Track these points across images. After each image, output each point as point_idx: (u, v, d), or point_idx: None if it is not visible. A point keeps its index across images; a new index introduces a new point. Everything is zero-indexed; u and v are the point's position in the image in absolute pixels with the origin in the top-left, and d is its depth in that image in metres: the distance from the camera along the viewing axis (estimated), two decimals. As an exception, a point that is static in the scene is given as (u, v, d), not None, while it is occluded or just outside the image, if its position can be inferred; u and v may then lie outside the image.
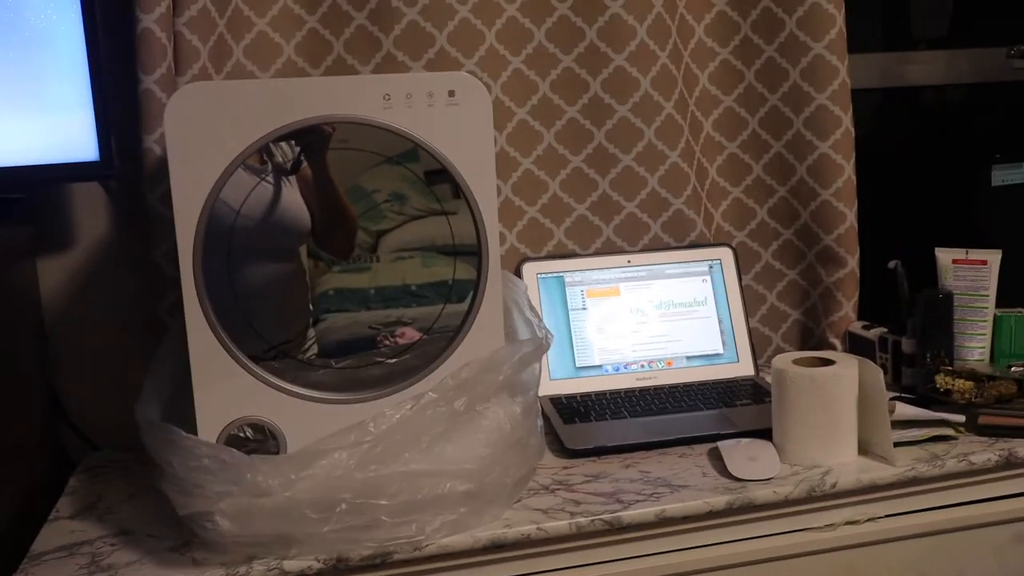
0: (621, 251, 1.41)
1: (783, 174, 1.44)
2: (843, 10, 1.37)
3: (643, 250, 1.41)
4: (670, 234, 1.41)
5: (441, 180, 0.98)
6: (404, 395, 0.98)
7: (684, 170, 1.39)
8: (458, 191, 0.98)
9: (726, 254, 1.41)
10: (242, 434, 0.96)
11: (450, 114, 0.96)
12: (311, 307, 0.98)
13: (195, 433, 0.94)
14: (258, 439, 0.96)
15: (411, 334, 0.99)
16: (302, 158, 0.95)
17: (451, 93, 0.96)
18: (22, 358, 1.16)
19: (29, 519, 1.05)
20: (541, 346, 1.03)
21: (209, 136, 0.92)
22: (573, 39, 1.33)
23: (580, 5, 1.32)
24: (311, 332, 0.98)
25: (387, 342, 0.99)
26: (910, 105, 1.75)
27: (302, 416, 0.96)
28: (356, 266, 0.98)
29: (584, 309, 1.37)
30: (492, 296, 1.00)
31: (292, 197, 0.96)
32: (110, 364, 1.27)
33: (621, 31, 1.32)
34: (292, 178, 0.96)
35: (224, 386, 0.95)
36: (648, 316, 1.38)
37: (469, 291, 0.99)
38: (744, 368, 1.37)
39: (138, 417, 0.97)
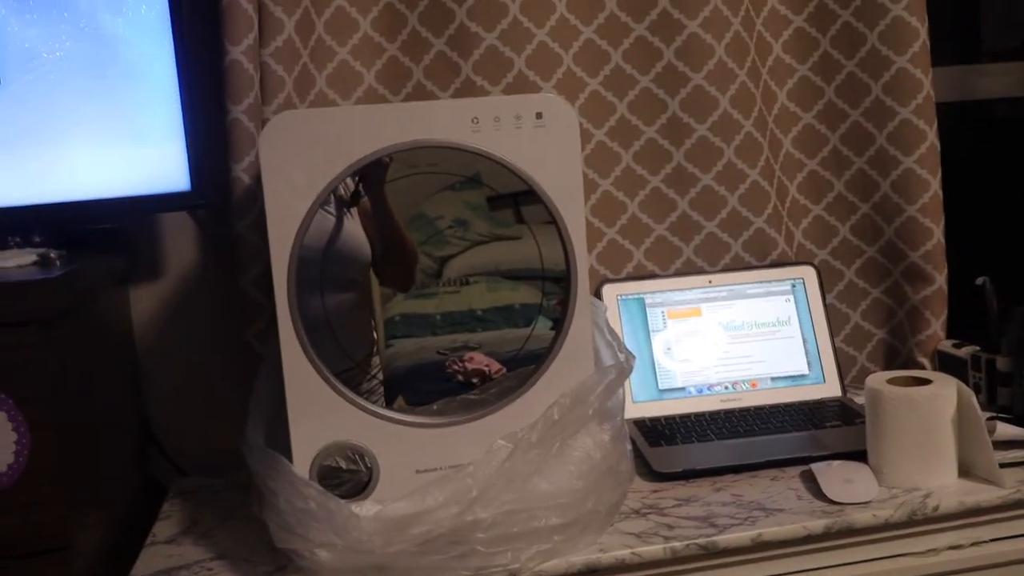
0: (702, 271, 1.39)
1: (866, 191, 1.42)
2: (926, 23, 1.34)
3: (724, 270, 1.39)
4: (751, 253, 1.39)
5: (503, 206, 0.98)
6: (496, 418, 0.98)
7: (764, 188, 1.37)
8: (520, 216, 0.98)
9: (809, 273, 1.39)
10: (335, 464, 0.96)
11: (538, 136, 0.96)
12: (375, 334, 0.99)
13: (290, 457, 0.95)
14: (351, 469, 0.96)
15: (479, 359, 1.00)
16: (361, 190, 0.96)
17: (538, 115, 0.96)
18: (116, 386, 1.19)
19: (126, 544, 1.06)
20: (624, 371, 1.02)
21: (302, 163, 0.93)
22: (650, 59, 1.33)
23: (657, 25, 1.32)
24: (375, 360, 0.99)
25: (455, 367, 0.99)
26: (986, 118, 1.71)
27: (394, 440, 0.97)
28: (421, 292, 0.98)
29: (665, 330, 1.35)
30: (581, 321, 0.99)
31: (353, 229, 0.98)
32: (199, 390, 1.29)
33: (699, 50, 1.31)
34: (353, 210, 0.97)
35: (318, 411, 0.96)
36: (731, 336, 1.36)
37: (535, 315, 0.99)
38: (831, 389, 1.34)
39: (247, 442, 0.98)
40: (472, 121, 0.95)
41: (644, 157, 1.35)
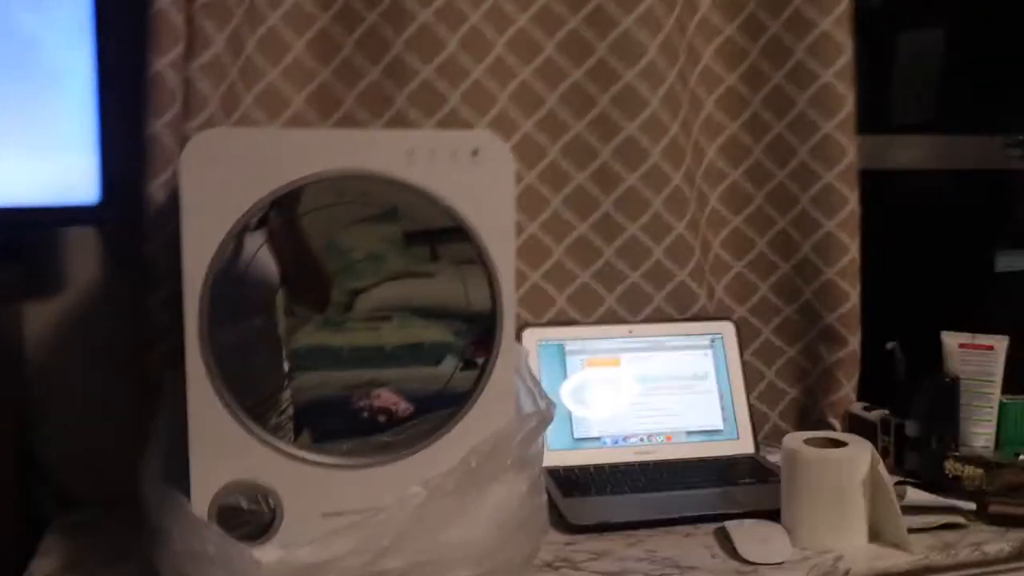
0: (623, 321, 1.38)
1: (787, 250, 1.44)
2: (854, 91, 1.38)
3: (645, 321, 1.39)
4: (673, 306, 1.39)
5: (420, 243, 0.96)
6: (411, 462, 0.94)
7: (689, 242, 1.37)
8: (435, 254, 0.96)
9: (728, 328, 1.39)
10: (237, 504, 0.90)
11: (473, 173, 0.94)
12: (285, 365, 0.95)
13: (188, 494, 0.89)
14: (253, 510, 0.91)
15: (386, 396, 0.96)
16: (271, 215, 0.92)
17: (474, 152, 0.94)
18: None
19: (-1, 581, 0.99)
20: (545, 419, 0.99)
21: (225, 184, 0.89)
22: (585, 106, 1.33)
23: (594, 72, 1.32)
24: (285, 395, 0.95)
25: (362, 403, 0.95)
26: (897, 188, 1.77)
27: (302, 480, 0.92)
28: (331, 322, 0.95)
29: (584, 379, 1.34)
30: (505, 365, 0.97)
31: (259, 253, 0.93)
32: (94, 417, 1.21)
33: (633, 100, 1.32)
34: (258, 233, 0.92)
35: (221, 445, 0.90)
36: (648, 388, 1.35)
37: (445, 354, 0.97)
38: (744, 445, 1.35)
39: (141, 475, 0.92)
40: (407, 153, 0.93)
41: (573, 203, 1.35)
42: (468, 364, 0.97)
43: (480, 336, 0.97)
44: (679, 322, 1.39)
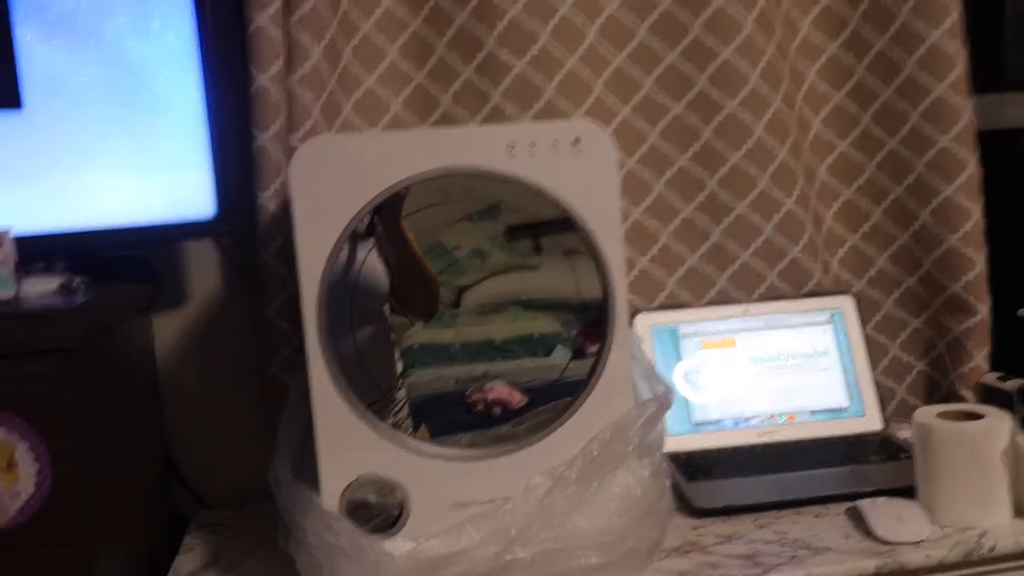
0: (737, 302, 1.35)
1: (904, 219, 1.38)
2: (965, 49, 1.31)
3: (759, 299, 1.36)
4: (787, 283, 1.35)
5: (522, 236, 0.96)
6: (532, 452, 0.94)
7: (800, 217, 1.34)
8: (538, 246, 0.96)
9: (847, 303, 1.35)
10: (365, 498, 0.92)
11: (575, 163, 0.94)
12: (399, 364, 0.97)
13: (319, 491, 0.91)
14: (382, 503, 0.92)
15: (500, 389, 0.97)
16: (376, 221, 0.94)
17: (575, 141, 0.94)
18: (139, 416, 1.16)
19: (148, 578, 1.03)
20: (664, 404, 0.98)
21: (333, 191, 0.91)
22: (683, 86, 1.30)
23: (690, 52, 1.29)
24: (400, 393, 0.97)
25: (476, 396, 0.96)
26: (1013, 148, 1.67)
27: (427, 474, 0.93)
28: (440, 319, 0.96)
29: (700, 361, 1.32)
30: (620, 353, 0.96)
31: (370, 259, 0.95)
32: (222, 421, 1.26)
33: (733, 77, 1.29)
34: (370, 240, 0.95)
35: (348, 443, 0.92)
36: (767, 368, 1.32)
37: (555, 344, 0.97)
38: (871, 422, 1.30)
39: (274, 475, 0.94)
40: (507, 147, 0.93)
41: (677, 185, 1.33)
42: (579, 353, 0.97)
43: (590, 325, 0.96)
44: (795, 299, 1.35)
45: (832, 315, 1.35)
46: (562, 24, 1.26)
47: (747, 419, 1.29)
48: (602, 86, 1.30)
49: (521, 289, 0.96)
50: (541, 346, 0.96)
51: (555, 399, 0.97)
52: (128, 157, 1.09)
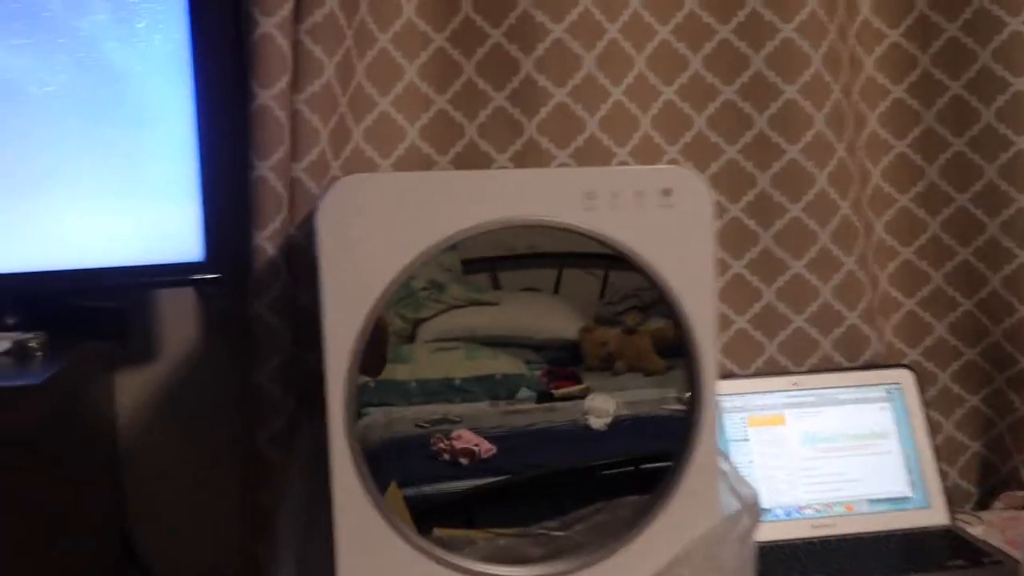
0: (786, 371, 1.20)
1: (970, 285, 1.24)
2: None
3: (811, 371, 1.21)
4: (842, 353, 1.21)
5: (477, 270, 0.83)
6: (601, 570, 0.77)
7: (859, 278, 1.19)
8: (496, 282, 0.84)
9: (906, 377, 1.20)
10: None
11: (664, 219, 0.77)
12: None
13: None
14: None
15: (467, 436, 0.85)
16: None
17: (666, 192, 0.77)
18: (93, 494, 0.95)
19: None
20: (755, 515, 0.81)
21: (372, 241, 0.73)
22: (739, 127, 1.15)
23: (750, 89, 1.14)
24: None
25: (441, 445, 0.84)
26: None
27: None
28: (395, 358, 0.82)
29: (746, 440, 1.16)
30: (707, 452, 0.79)
31: None
32: (194, 502, 1.06)
33: (795, 118, 1.14)
34: None
35: (373, 547, 0.74)
36: (820, 450, 1.17)
37: (519, 386, 0.86)
38: (937, 515, 1.15)
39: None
40: (585, 196, 0.76)
41: (727, 238, 1.17)
42: (544, 396, 0.86)
43: (554, 365, 0.85)
44: (850, 371, 1.20)
45: (889, 390, 1.20)
46: (610, 49, 1.10)
47: (800, 508, 1.14)
48: (650, 122, 1.14)
49: (479, 324, 0.85)
50: (503, 387, 0.85)
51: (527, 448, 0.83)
52: (100, 183, 0.89)
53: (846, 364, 1.21)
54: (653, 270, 0.77)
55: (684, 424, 0.81)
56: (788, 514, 1.13)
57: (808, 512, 1.14)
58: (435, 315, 0.85)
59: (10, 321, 0.82)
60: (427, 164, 1.11)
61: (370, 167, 1.09)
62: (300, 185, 1.00)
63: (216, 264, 0.93)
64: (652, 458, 0.85)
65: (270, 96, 0.97)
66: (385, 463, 0.83)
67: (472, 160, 1.11)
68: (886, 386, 1.20)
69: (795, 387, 1.18)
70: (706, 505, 0.79)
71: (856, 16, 1.21)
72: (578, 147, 1.10)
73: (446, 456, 0.84)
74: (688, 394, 0.81)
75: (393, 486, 0.83)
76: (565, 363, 0.85)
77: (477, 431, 0.85)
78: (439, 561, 0.75)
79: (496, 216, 0.74)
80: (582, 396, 0.83)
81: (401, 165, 1.10)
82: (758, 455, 1.15)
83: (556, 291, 0.83)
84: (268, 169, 0.97)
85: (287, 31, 0.98)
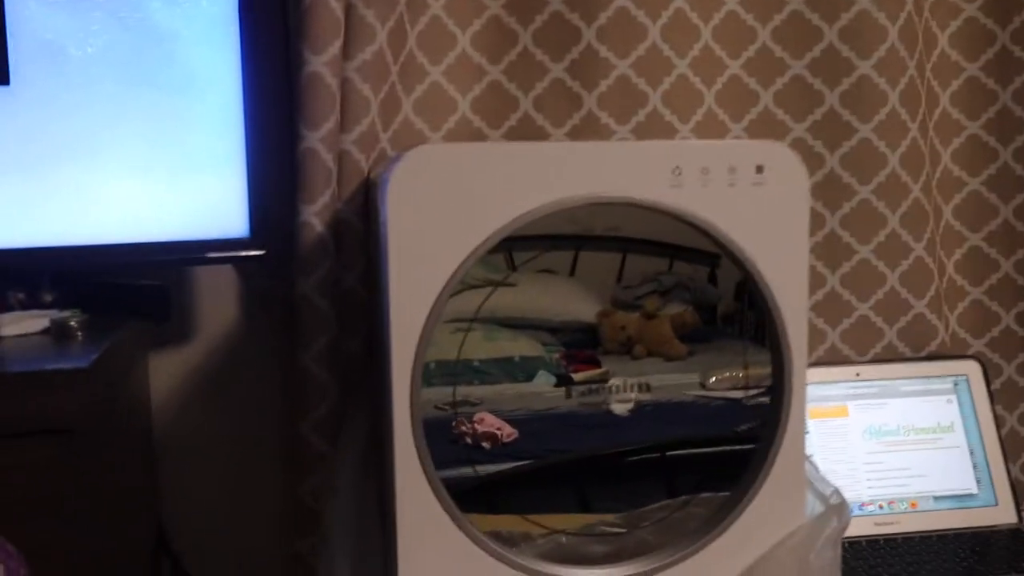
0: (848, 361, 1.15)
1: (1044, 272, 1.19)
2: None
3: (874, 361, 1.15)
4: (907, 343, 1.15)
5: (497, 250, 0.77)
6: (679, 571, 0.72)
7: (928, 265, 1.13)
8: (512, 262, 0.78)
9: (973, 369, 1.15)
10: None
11: (756, 197, 0.71)
12: None
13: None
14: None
15: (489, 420, 0.80)
16: None
17: (759, 169, 0.71)
18: (128, 483, 0.90)
19: None
20: (843, 518, 0.76)
21: (446, 218, 0.67)
22: (808, 103, 1.09)
23: (820, 64, 1.08)
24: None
25: (463, 428, 0.79)
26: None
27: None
28: None
29: (807, 433, 1.10)
30: (794, 447, 0.74)
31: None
32: (231, 494, 1.00)
33: (869, 96, 1.08)
34: None
35: (437, 553, 0.69)
36: (884, 444, 1.11)
37: (537, 368, 0.82)
38: (1004, 514, 1.10)
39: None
40: (672, 172, 0.70)
41: (791, 221, 1.11)
42: (563, 379, 0.83)
43: (572, 347, 0.81)
44: (915, 362, 1.15)
45: (956, 382, 1.15)
46: (676, 19, 1.04)
47: (863, 505, 1.09)
48: (714, 98, 1.08)
49: (498, 305, 0.81)
50: (521, 370, 0.82)
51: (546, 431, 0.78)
52: (142, 152, 0.84)
53: (911, 355, 1.15)
54: (743, 252, 0.71)
55: (707, 411, 0.77)
56: (850, 511, 1.08)
57: (871, 509, 1.09)
58: (452, 295, 0.79)
59: (48, 298, 0.77)
60: (478, 138, 1.05)
61: (419, 140, 1.03)
62: (348, 158, 0.94)
63: (262, 240, 0.87)
64: (677, 445, 0.82)
65: (321, 63, 0.91)
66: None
67: (526, 135, 1.05)
68: (952, 378, 1.15)
69: (858, 378, 1.13)
70: (791, 505, 0.74)
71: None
72: (639, 122, 1.04)
73: (468, 440, 0.80)
74: (768, 385, 0.75)
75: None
76: (582, 346, 0.82)
77: (498, 414, 0.81)
78: (498, 557, 0.70)
79: (579, 192, 0.68)
80: (603, 380, 0.80)
81: (451, 138, 1.04)
82: (819, 448, 1.10)
83: (572, 273, 0.80)
84: (318, 140, 0.91)
85: (339, -7, 0.92)
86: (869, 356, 1.15)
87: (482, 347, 0.81)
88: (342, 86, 0.94)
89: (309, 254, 0.92)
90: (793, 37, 1.08)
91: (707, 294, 0.77)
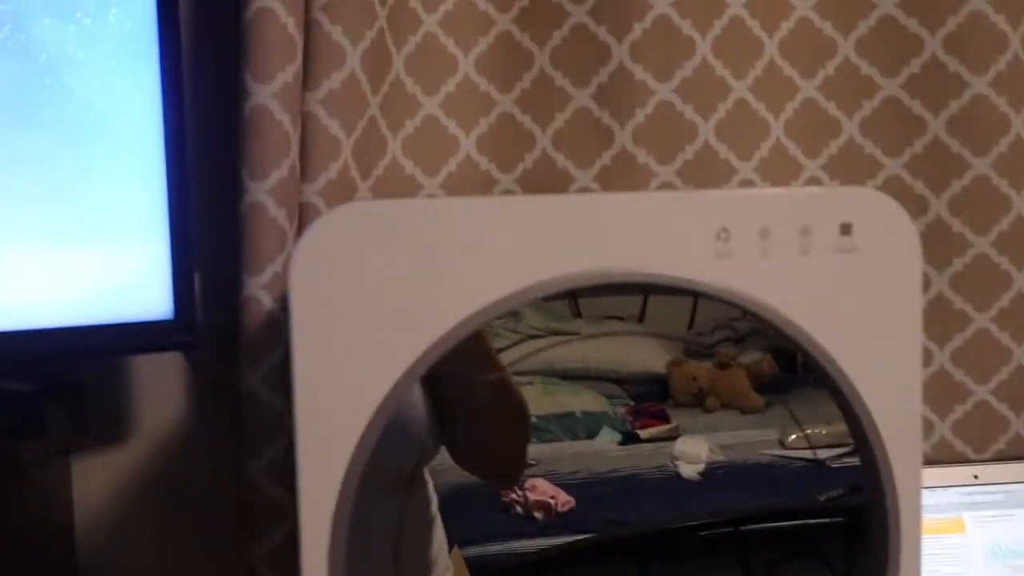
0: (964, 460, 0.90)
1: None
2: None
3: (997, 458, 0.91)
4: (1038, 434, 0.90)
5: (557, 296, 0.61)
6: None
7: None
8: (578, 310, 0.78)
9: None
10: None
11: (844, 270, 0.49)
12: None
13: None
14: None
15: (542, 487, 0.75)
16: None
17: (844, 229, 0.49)
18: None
19: None
20: None
21: (380, 299, 0.46)
22: (909, 133, 0.86)
23: (921, 80, 0.85)
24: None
25: (514, 496, 0.75)
26: None
27: None
28: None
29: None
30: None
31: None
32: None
33: (987, 114, 0.85)
34: None
35: None
36: (1013, 568, 0.87)
37: (600, 424, 0.79)
38: None
39: None
40: (718, 236, 0.48)
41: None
42: (629, 437, 0.80)
43: (639, 400, 0.79)
44: (1045, 459, 0.90)
45: (1105, 485, 0.89)
46: (732, 30, 0.82)
47: (988, 650, 0.84)
48: (783, 128, 0.85)
49: (558, 356, 0.79)
50: (583, 426, 0.80)
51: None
52: (37, 213, 0.65)
53: (1042, 450, 0.91)
54: (823, 352, 0.48)
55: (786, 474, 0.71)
56: (972, 659, 0.83)
57: (1000, 656, 0.84)
58: (510, 346, 0.75)
59: None
60: (486, 184, 0.85)
61: (412, 188, 0.83)
62: (312, 214, 0.75)
63: (189, 324, 0.67)
64: (752, 518, 0.76)
65: (269, 93, 0.71)
66: (446, 516, 0.71)
67: (545, 178, 0.84)
68: (1100, 481, 0.89)
69: (977, 481, 0.89)
70: None
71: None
72: (687, 161, 0.83)
73: (519, 509, 0.76)
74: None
75: (455, 550, 0.72)
76: (651, 399, 0.79)
77: (554, 478, 0.76)
78: None
79: (586, 268, 0.47)
80: (671, 437, 0.76)
81: (452, 184, 0.84)
82: (931, 572, 0.85)
83: (641, 319, 0.77)
84: (266, 192, 0.71)
85: (295, 5, 0.72)
86: (990, 453, 0.90)
87: (540, 402, 0.77)
88: (303, 123, 0.74)
89: (256, 338, 0.72)
90: (885, 49, 0.85)
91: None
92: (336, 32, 0.74)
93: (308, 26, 0.74)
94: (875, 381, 0.49)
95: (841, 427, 0.62)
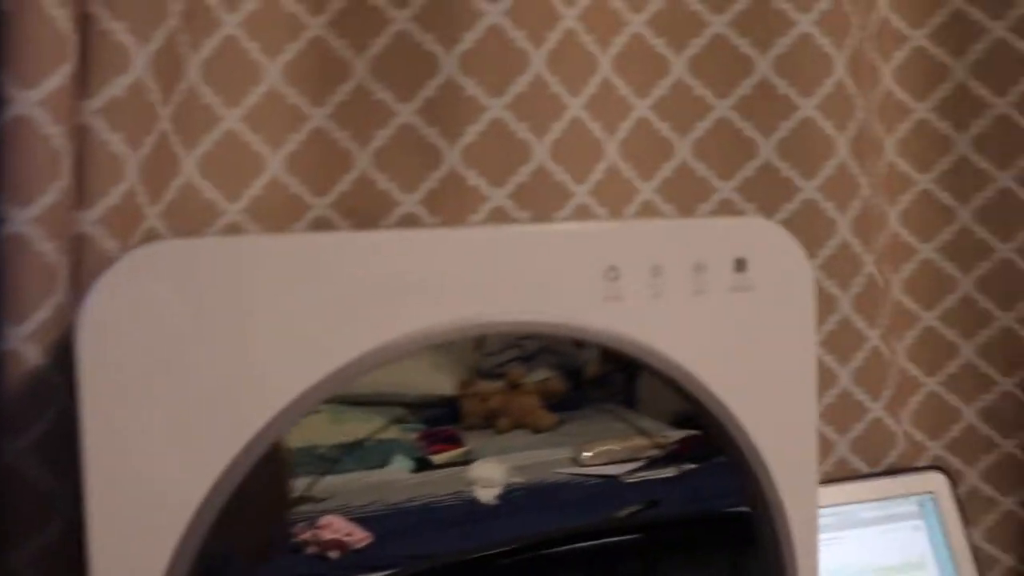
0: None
1: (1011, 358, 0.97)
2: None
3: (827, 481, 0.90)
4: (861, 455, 0.91)
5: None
6: None
7: (884, 355, 0.90)
8: None
9: (940, 484, 0.92)
10: None
11: (739, 310, 0.44)
12: None
13: None
14: None
15: (336, 524, 0.67)
16: None
17: (739, 264, 0.44)
18: None
19: None
20: None
21: (203, 361, 0.36)
22: (739, 157, 0.84)
23: (751, 99, 0.83)
24: None
25: (305, 535, 0.65)
26: None
27: None
28: None
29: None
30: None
31: None
32: None
33: (809, 136, 0.84)
34: None
35: None
36: (846, 592, 0.86)
37: (393, 452, 0.70)
38: (996, 672, 0.87)
39: None
40: (605, 275, 0.42)
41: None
42: (422, 463, 0.71)
43: (431, 425, 0.69)
44: (873, 478, 0.91)
45: (921, 502, 0.91)
46: (566, 43, 0.77)
47: None
48: (618, 148, 0.81)
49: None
50: (376, 455, 0.72)
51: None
52: None
53: (866, 470, 0.91)
54: (726, 409, 0.43)
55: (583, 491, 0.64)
56: None
57: None
58: None
59: None
60: (296, 209, 0.75)
61: (210, 213, 0.72)
62: (90, 246, 0.62)
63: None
64: (555, 541, 0.71)
65: (35, 101, 0.58)
66: (232, 563, 0.60)
67: (365, 203, 0.75)
68: (917, 497, 0.91)
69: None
70: None
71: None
72: (521, 183, 0.76)
73: (312, 548, 0.67)
74: (649, 457, 0.49)
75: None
76: (443, 422, 0.71)
77: (348, 512, 0.68)
78: None
79: (451, 319, 0.38)
80: (466, 461, 0.71)
81: (257, 209, 0.73)
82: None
83: None
84: (30, 222, 0.58)
85: (66, -3, 0.60)
86: (821, 476, 0.90)
87: (329, 431, 0.68)
88: (78, 137, 0.62)
89: (17, 400, 0.58)
90: (717, 69, 0.83)
91: (573, 356, 0.60)
92: (119, 30, 0.62)
93: (83, 20, 0.62)
94: (774, 440, 0.44)
95: (635, 441, 0.61)
